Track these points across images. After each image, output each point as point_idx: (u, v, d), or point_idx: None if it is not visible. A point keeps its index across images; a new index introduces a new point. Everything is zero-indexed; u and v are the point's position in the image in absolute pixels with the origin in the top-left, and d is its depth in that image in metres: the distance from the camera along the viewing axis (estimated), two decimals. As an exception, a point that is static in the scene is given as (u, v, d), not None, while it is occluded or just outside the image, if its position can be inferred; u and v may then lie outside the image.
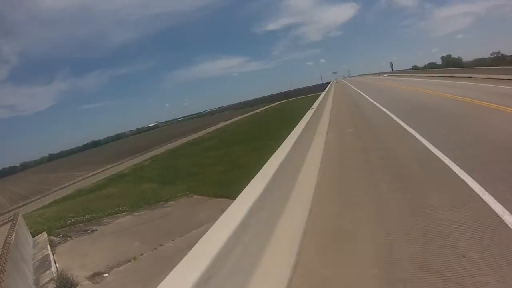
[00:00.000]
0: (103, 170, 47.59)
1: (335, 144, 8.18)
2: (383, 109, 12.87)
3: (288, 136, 5.07)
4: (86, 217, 15.63)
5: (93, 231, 13.35)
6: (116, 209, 15.69)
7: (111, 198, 20.22)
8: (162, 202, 16.69)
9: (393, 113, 11.06)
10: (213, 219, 8.61)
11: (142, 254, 9.79)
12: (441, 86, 19.93)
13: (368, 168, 5.79)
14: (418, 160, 5.64)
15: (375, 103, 16.15)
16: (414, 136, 7.27)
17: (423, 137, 6.95)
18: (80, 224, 14.77)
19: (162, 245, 10.10)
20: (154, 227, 12.32)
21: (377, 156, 6.47)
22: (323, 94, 17.36)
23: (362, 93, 24.72)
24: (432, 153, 5.77)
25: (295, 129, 5.66)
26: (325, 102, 14.48)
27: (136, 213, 14.93)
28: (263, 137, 32.75)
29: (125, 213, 15.21)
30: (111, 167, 48.86)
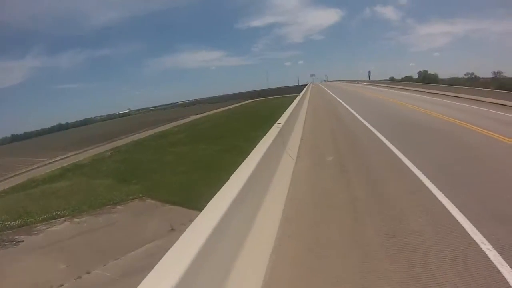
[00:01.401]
0: (64, 158, 44.26)
1: (305, 193, 5.14)
2: (375, 131, 9.93)
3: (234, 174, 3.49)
4: (17, 222, 13.34)
5: (19, 242, 11.28)
6: (54, 213, 13.59)
7: (58, 195, 17.98)
8: (110, 206, 14.75)
9: (392, 142, 8.10)
10: (158, 236, 6.75)
11: (61, 286, 7.93)
12: (433, 104, 18.97)
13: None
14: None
15: (361, 118, 13.51)
16: (428, 189, 4.73)
17: (443, 193, 4.44)
18: (9, 231, 12.59)
19: (89, 273, 8.27)
20: (90, 241, 10.47)
21: (383, 233, 3.52)
22: (295, 102, 15.63)
23: (345, 104, 21.96)
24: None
25: (245, 162, 4.03)
26: (297, 114, 12.86)
27: (76, 219, 12.95)
28: (231, 136, 31.17)
29: (64, 218, 13.16)
30: (72, 155, 45.59)
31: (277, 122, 6.88)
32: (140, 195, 16.09)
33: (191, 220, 2.32)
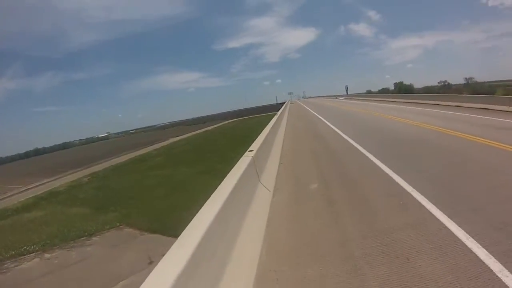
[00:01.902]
0: (39, 185, 42.45)
1: (287, 241, 4.28)
2: (364, 151, 9.55)
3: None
4: (-18, 260, 12.31)
5: (-20, 285, 10.31)
6: (23, 249, 12.57)
7: (29, 227, 16.82)
8: (84, 238, 13.80)
9: (377, 158, 8.32)
10: (136, 270, 6.08)
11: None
12: (413, 113, 19.59)
13: None
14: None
15: (346, 136, 13.26)
16: (441, 222, 4.19)
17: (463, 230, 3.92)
18: (-29, 271, 11.53)
19: (57, 319, 7.53)
20: (60, 281, 9.60)
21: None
22: (273, 121, 15.33)
23: (325, 121, 22.01)
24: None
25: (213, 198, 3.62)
26: (274, 135, 12.38)
27: (47, 255, 11.96)
28: (210, 158, 30.70)
29: (33, 254, 12.16)
30: (48, 182, 43.86)
31: (248, 150, 6.31)
32: (118, 224, 15.23)
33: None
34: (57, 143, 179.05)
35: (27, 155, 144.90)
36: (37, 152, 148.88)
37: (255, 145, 6.99)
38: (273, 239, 4.35)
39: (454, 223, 4.19)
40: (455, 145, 9.48)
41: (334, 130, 15.87)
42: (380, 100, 39.77)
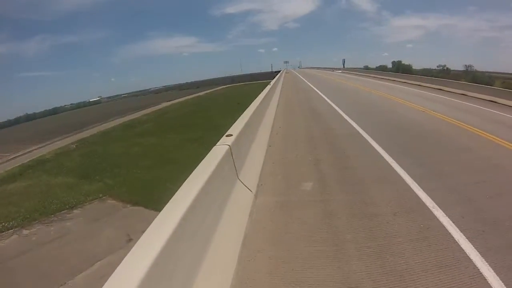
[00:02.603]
0: (27, 152, 41.55)
1: (270, 271, 3.19)
2: (376, 146, 7.51)
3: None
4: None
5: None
6: (1, 225, 12.03)
7: (11, 200, 16.25)
8: (65, 211, 13.32)
9: (390, 152, 6.75)
10: (114, 249, 5.57)
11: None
12: (423, 98, 17.53)
13: None
14: None
15: (350, 120, 11.01)
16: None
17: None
18: None
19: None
20: (36, 262, 9.13)
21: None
22: (263, 93, 13.62)
23: (325, 97, 18.95)
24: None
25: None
26: (262, 112, 10.31)
27: (25, 231, 11.46)
28: (201, 125, 29.99)
29: (12, 230, 11.67)
30: (36, 149, 42.89)
31: (226, 134, 5.16)
32: (101, 195, 14.74)
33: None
34: (48, 108, 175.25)
35: (17, 121, 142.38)
36: (28, 118, 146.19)
37: (236, 127, 5.48)
38: (250, 268, 3.23)
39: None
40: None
41: (337, 111, 13.52)
42: (379, 78, 37.69)
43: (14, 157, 40.32)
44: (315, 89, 25.50)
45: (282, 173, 6.00)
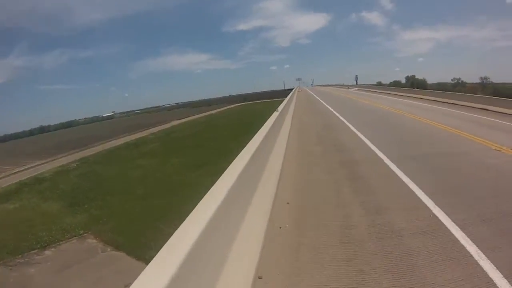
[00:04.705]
0: (30, 168, 40.16)
1: None
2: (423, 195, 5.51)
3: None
4: None
5: None
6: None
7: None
8: (37, 250, 11.30)
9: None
10: None
11: None
12: (469, 122, 14.52)
13: None
14: None
15: (398, 170, 7.22)
16: None
17: None
18: None
19: None
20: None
21: None
22: (269, 123, 9.44)
23: (360, 134, 12.45)
24: None
25: None
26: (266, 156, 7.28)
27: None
28: (207, 148, 27.99)
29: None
30: (40, 164, 41.52)
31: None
32: (81, 232, 12.69)
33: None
34: (62, 121, 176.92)
35: (31, 133, 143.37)
36: (42, 130, 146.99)
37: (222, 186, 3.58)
38: None
39: None
40: None
41: (381, 160, 8.51)
42: (399, 95, 35.15)
43: (18, 171, 38.95)
44: (336, 114, 21.26)
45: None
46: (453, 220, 4.61)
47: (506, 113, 17.11)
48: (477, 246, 3.86)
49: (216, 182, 3.79)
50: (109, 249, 11.10)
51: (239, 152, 5.43)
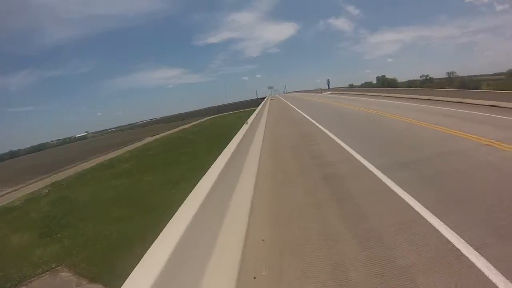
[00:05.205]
0: (1, 196, 38.31)
1: None
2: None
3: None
4: None
5: None
6: None
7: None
8: (5, 290, 10.64)
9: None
10: None
11: None
12: (448, 117, 14.58)
13: None
14: None
15: (393, 185, 6.31)
16: None
17: None
18: None
19: None
20: None
21: None
22: (240, 134, 9.20)
23: (329, 132, 13.85)
24: None
25: None
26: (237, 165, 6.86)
27: None
28: (181, 163, 27.57)
29: None
30: (10, 192, 39.54)
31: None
32: (54, 265, 12.01)
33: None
34: (34, 144, 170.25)
35: (1, 158, 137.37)
36: (12, 155, 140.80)
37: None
38: None
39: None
40: None
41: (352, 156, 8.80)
42: (371, 95, 36.07)
43: (-14, 202, 36.96)
44: (308, 117, 21.11)
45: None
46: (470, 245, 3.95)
47: (483, 104, 17.69)
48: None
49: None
50: (84, 282, 10.54)
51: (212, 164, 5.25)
